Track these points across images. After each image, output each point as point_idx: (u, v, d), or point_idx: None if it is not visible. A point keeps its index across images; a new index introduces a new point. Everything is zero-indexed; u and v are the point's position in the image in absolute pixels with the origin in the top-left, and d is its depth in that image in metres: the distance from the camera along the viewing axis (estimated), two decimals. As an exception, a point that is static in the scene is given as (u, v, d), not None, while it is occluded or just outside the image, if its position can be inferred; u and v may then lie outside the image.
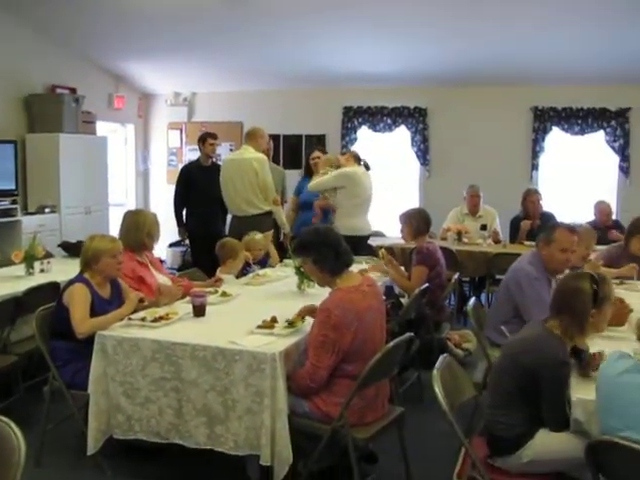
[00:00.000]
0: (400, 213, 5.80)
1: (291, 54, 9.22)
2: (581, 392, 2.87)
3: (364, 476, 3.78)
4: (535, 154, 9.99)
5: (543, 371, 2.86)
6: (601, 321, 3.06)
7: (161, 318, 3.90)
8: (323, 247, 3.57)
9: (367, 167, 6.67)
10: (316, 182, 6.56)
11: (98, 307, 3.97)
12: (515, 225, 7.91)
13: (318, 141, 10.51)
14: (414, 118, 10.35)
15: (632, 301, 4.02)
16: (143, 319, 3.88)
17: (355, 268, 4.67)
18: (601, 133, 9.85)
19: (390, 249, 6.64)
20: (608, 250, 5.94)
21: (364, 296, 3.48)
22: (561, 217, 7.16)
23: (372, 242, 6.94)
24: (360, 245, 6.32)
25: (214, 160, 8.03)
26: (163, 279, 4.82)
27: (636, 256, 5.48)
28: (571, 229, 4.46)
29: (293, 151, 10.70)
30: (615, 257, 5.56)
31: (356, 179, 6.41)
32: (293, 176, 8.49)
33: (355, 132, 10.58)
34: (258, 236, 5.92)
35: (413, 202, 10.39)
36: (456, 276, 5.85)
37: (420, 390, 4.89)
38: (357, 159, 6.64)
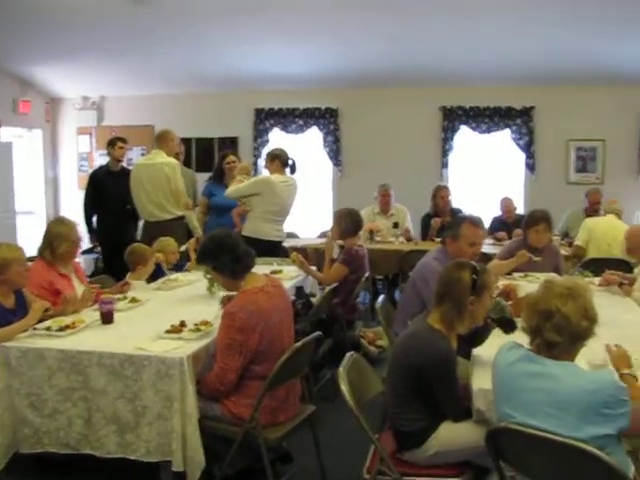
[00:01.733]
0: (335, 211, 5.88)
1: (202, 57, 9.17)
2: (481, 382, 2.95)
3: (279, 476, 3.80)
4: (445, 152, 10.22)
5: (429, 369, 2.93)
6: (479, 309, 3.15)
7: (67, 327, 3.82)
8: (220, 253, 3.57)
9: (293, 169, 6.58)
10: (233, 189, 6.49)
11: (1, 318, 3.85)
12: (426, 222, 8.07)
13: (230, 144, 10.50)
14: (325, 119, 10.45)
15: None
16: (48, 328, 3.80)
17: (267, 270, 4.70)
18: (507, 131, 10.14)
19: (303, 250, 6.68)
20: (508, 245, 6.13)
21: (269, 297, 3.49)
22: (470, 213, 7.32)
23: (286, 244, 6.94)
24: (268, 250, 6.29)
25: (124, 165, 7.91)
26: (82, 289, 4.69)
27: (535, 248, 5.67)
28: (476, 223, 4.58)
29: (205, 154, 10.64)
30: (515, 251, 5.74)
31: (273, 187, 6.33)
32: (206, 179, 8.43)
33: (267, 134, 10.60)
34: (182, 247, 5.94)
35: (327, 203, 10.51)
36: (367, 274, 5.92)
37: (334, 388, 4.92)
38: (284, 164, 6.53)
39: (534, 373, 2.46)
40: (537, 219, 5.75)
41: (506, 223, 8.20)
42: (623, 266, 5.60)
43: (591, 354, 2.86)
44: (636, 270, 5.38)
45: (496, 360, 2.68)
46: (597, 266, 5.70)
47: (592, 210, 8.01)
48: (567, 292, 2.48)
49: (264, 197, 6.31)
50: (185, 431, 3.34)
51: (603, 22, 7.48)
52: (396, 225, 8.16)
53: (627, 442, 2.55)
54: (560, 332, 2.44)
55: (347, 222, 5.76)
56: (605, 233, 6.73)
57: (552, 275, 5.04)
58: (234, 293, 3.65)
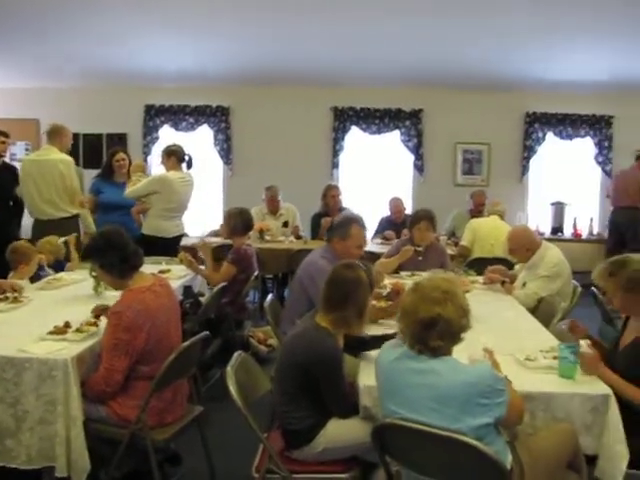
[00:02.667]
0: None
1: (90, 50, 8.88)
2: (367, 380, 3.01)
3: (167, 478, 3.76)
4: (335, 152, 10.35)
5: (316, 367, 2.96)
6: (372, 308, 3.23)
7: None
8: (108, 251, 3.49)
9: (190, 165, 6.53)
10: (131, 190, 6.38)
11: None
12: (316, 221, 8.12)
13: (119, 140, 10.28)
14: (216, 117, 10.39)
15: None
16: None
17: (155, 269, 4.62)
18: (397, 133, 10.35)
19: (193, 249, 6.62)
20: (396, 244, 6.26)
21: (156, 296, 3.44)
22: (360, 213, 7.41)
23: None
24: (169, 246, 6.26)
25: (6, 160, 7.59)
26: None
27: (420, 246, 5.83)
28: (363, 225, 4.67)
29: (93, 150, 10.38)
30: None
31: (171, 185, 6.28)
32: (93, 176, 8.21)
33: (157, 131, 10.45)
34: (61, 240, 5.73)
35: (217, 201, 10.43)
36: (256, 273, 5.92)
37: (223, 388, 4.90)
38: (180, 160, 6.46)
39: (417, 370, 2.52)
40: (419, 217, 5.95)
41: (395, 223, 8.37)
42: (505, 265, 5.80)
43: (471, 349, 2.94)
44: (517, 267, 5.59)
45: (380, 357, 2.73)
46: (481, 265, 5.90)
47: (477, 211, 8.29)
48: (444, 296, 2.52)
49: (162, 195, 6.28)
50: (69, 435, 3.23)
51: (489, 29, 7.73)
52: (286, 224, 8.19)
53: (505, 432, 2.66)
54: (443, 337, 2.50)
55: (237, 221, 5.75)
56: (489, 234, 6.98)
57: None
58: (107, 303, 3.59)
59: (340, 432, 3.01)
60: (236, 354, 3.19)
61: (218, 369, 5.18)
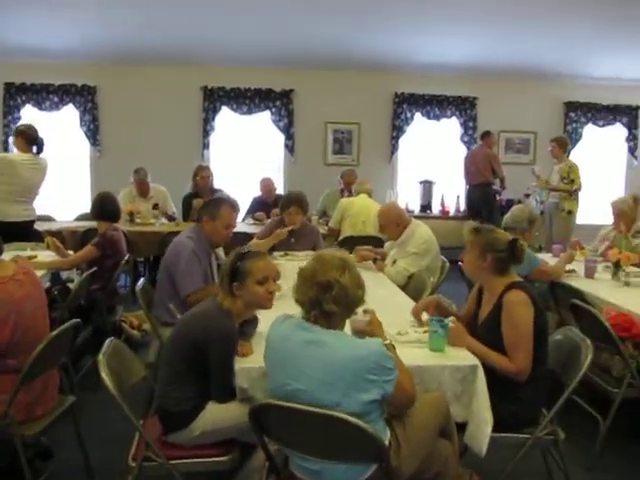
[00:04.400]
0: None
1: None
2: (244, 362, 3.02)
3: (39, 474, 3.62)
4: (206, 133, 10.23)
5: (212, 345, 2.93)
6: (247, 295, 3.13)
7: None
8: None
9: (40, 149, 6.19)
10: None
11: None
12: (187, 203, 7.99)
13: (-25, 120, 9.75)
14: (83, 97, 10.03)
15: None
16: None
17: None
18: (267, 113, 10.33)
19: (59, 233, 6.39)
20: (268, 225, 6.28)
21: (20, 285, 3.28)
22: (232, 193, 7.37)
23: (40, 227, 6.59)
24: (18, 232, 5.95)
25: None
26: None
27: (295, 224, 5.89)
28: (234, 207, 4.63)
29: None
30: (274, 230, 5.90)
31: (12, 166, 5.97)
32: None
33: (18, 111, 9.98)
34: None
35: (84, 183, 10.11)
36: (126, 257, 5.78)
37: (96, 376, 4.77)
38: (29, 141, 6.13)
39: (309, 341, 2.55)
40: (289, 202, 5.98)
41: (266, 203, 8.36)
42: (377, 243, 5.93)
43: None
44: (387, 245, 5.71)
45: (271, 331, 2.74)
46: (353, 244, 5.99)
47: (347, 190, 8.41)
48: (342, 264, 2.60)
49: (4, 177, 5.95)
50: None
51: (357, 11, 7.82)
52: (156, 207, 8.02)
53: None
54: (338, 302, 2.55)
55: (100, 206, 5.58)
56: (359, 212, 7.10)
57: (311, 253, 5.23)
58: None
59: (217, 415, 2.99)
60: (108, 341, 3.10)
61: (90, 357, 5.03)
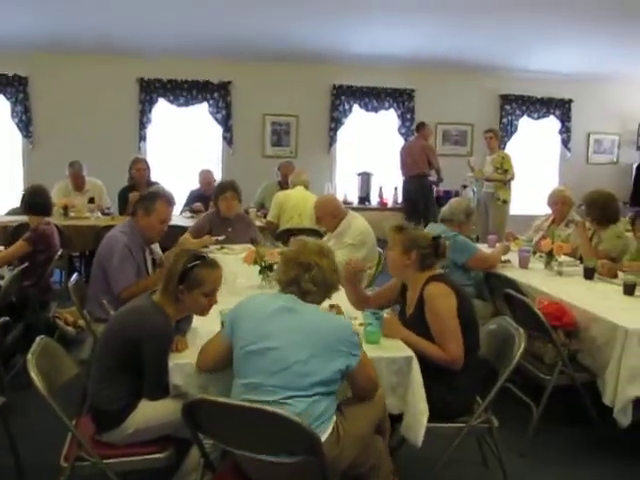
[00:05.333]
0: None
1: None
2: (178, 358, 3.00)
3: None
4: (142, 125, 10.08)
5: (145, 343, 2.89)
6: (189, 303, 3.09)
7: None
8: None
9: None
10: None
11: None
12: (123, 196, 7.85)
13: None
14: (14, 87, 9.77)
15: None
16: None
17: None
18: (205, 105, 10.24)
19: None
20: (203, 217, 6.22)
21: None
22: (169, 186, 7.27)
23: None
24: None
25: None
26: None
27: (227, 218, 5.84)
28: (169, 201, 4.57)
29: None
30: (211, 224, 5.85)
31: None
32: None
33: (-53, 102, 9.66)
34: None
35: (16, 176, 9.87)
36: (60, 252, 5.66)
37: (28, 376, 4.68)
38: None
39: (286, 307, 2.72)
40: (224, 188, 5.98)
41: (205, 196, 8.25)
42: (314, 235, 5.88)
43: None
44: (325, 238, 5.69)
45: (245, 303, 2.86)
46: (290, 236, 5.93)
47: (285, 182, 8.35)
48: (320, 249, 2.87)
49: None
50: None
51: (296, 3, 7.80)
52: (92, 200, 7.85)
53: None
54: (316, 283, 2.78)
55: (30, 200, 5.46)
56: (296, 205, 7.03)
57: (248, 246, 5.22)
58: None
59: (151, 412, 2.95)
60: (38, 339, 3.04)
61: (21, 356, 4.91)
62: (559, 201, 6.15)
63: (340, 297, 3.64)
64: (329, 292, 2.88)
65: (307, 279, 2.77)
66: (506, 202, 9.12)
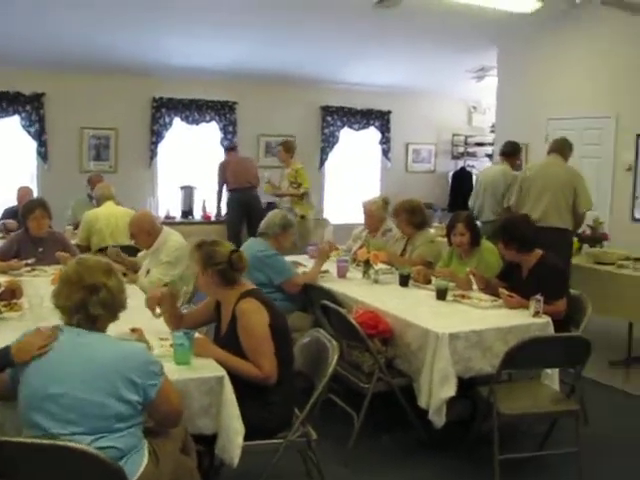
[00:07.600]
0: None
1: None
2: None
3: None
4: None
5: None
6: None
7: None
8: None
9: None
10: None
11: None
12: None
13: None
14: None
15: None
16: None
17: None
18: (17, 118, 9.72)
19: None
20: (11, 238, 5.94)
21: None
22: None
23: None
24: None
25: None
26: None
27: (38, 237, 5.66)
28: None
29: None
30: (20, 245, 5.60)
31: None
32: None
33: None
34: None
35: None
36: None
37: None
38: None
39: (74, 344, 2.47)
40: (32, 206, 5.71)
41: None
42: (130, 252, 5.65)
43: (119, 330, 2.95)
44: (140, 254, 5.50)
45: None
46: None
47: (96, 195, 8.01)
48: (107, 268, 2.60)
49: None
50: None
51: (116, 13, 7.65)
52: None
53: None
54: (105, 306, 2.52)
55: None
56: (106, 225, 6.58)
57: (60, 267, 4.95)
58: None
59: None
60: None
61: None
62: (366, 213, 6.25)
63: (144, 320, 3.53)
64: (118, 312, 2.62)
65: (95, 302, 2.49)
66: (304, 217, 8.89)
